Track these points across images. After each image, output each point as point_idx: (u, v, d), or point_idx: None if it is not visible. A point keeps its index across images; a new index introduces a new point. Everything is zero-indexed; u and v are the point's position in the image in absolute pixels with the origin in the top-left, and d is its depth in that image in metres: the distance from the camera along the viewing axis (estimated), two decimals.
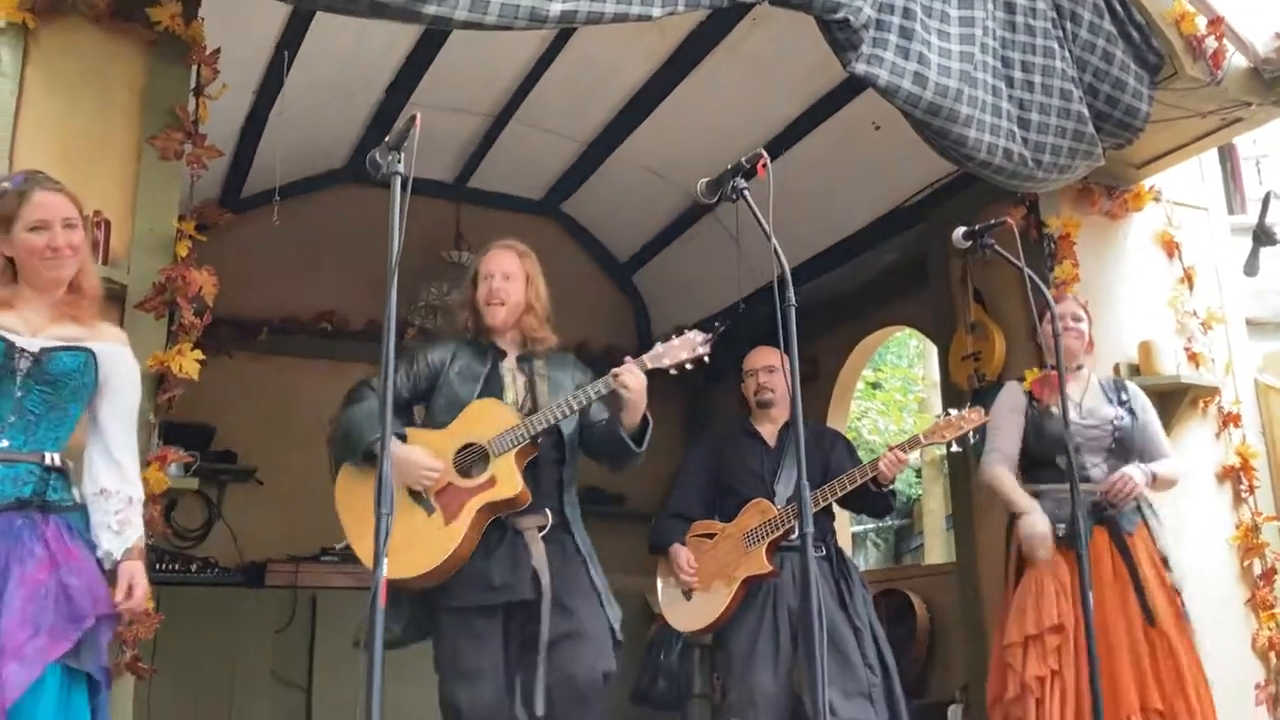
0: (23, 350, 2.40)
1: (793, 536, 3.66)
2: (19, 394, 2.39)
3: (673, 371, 3.11)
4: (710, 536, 3.84)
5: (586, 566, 3.19)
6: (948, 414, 3.62)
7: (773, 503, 3.73)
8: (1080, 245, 4.31)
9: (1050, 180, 3.91)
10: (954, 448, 3.81)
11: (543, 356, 3.32)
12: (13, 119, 3.06)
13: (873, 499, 3.74)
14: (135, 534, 2.48)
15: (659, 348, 3.14)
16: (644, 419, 3.13)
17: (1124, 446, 3.68)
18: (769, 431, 3.97)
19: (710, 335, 3.07)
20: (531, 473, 3.09)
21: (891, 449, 3.61)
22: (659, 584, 3.95)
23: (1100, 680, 3.31)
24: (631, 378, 3.05)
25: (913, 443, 3.65)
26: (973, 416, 3.57)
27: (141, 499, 2.55)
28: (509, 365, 3.28)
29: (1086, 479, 3.56)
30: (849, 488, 3.59)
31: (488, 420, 3.12)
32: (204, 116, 3.35)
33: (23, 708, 2.18)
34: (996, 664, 3.66)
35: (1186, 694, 3.40)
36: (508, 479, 3.03)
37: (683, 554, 3.81)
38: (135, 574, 2.45)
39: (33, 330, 2.44)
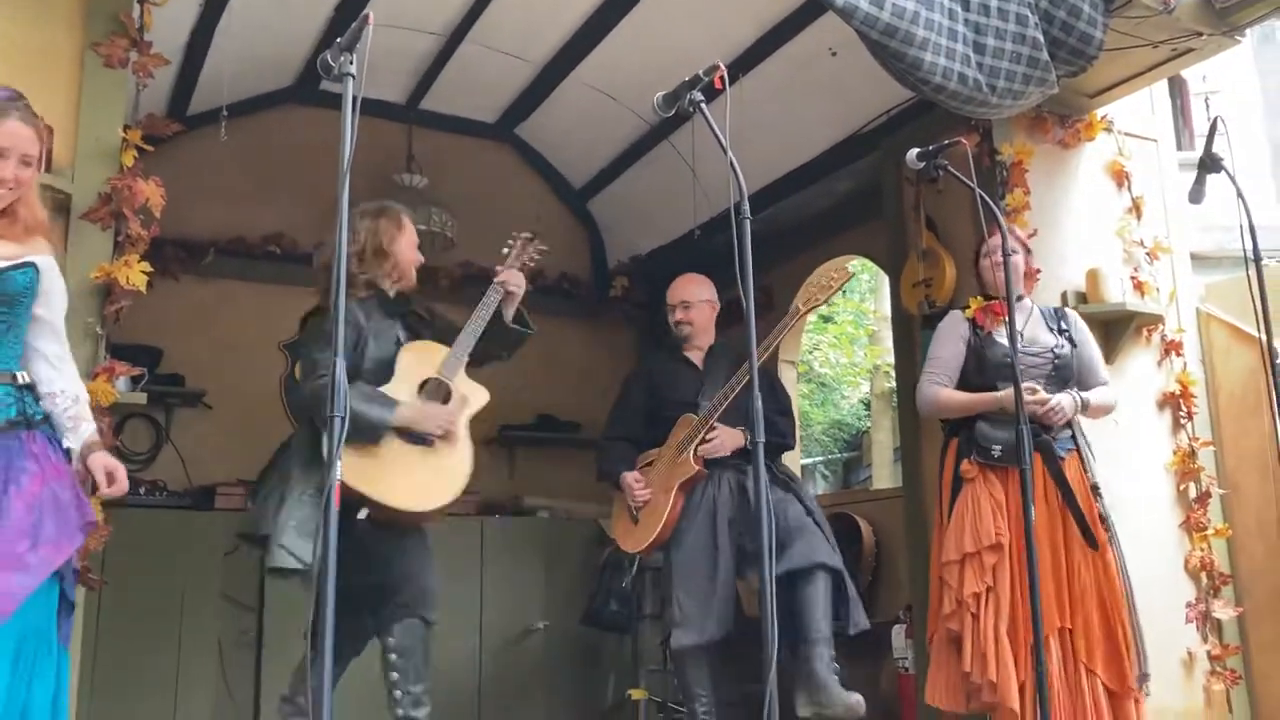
0: None
1: (722, 452, 3.83)
2: None
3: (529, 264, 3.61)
4: (652, 464, 4.01)
5: None
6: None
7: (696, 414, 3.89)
8: (1032, 173, 4.33)
9: (1004, 107, 3.92)
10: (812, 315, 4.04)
11: None
12: None
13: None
14: (89, 427, 2.51)
15: (510, 255, 3.60)
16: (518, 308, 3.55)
17: (1062, 374, 3.75)
18: (697, 356, 4.14)
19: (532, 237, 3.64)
20: None
21: None
22: (613, 515, 4.12)
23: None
24: (514, 276, 3.52)
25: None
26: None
27: (86, 398, 2.56)
28: None
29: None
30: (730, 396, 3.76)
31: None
32: (149, 24, 3.27)
33: (23, 613, 2.23)
34: (935, 582, 3.74)
35: (1104, 612, 3.52)
36: (475, 390, 3.38)
37: (630, 478, 3.97)
38: (108, 462, 2.48)
39: None
